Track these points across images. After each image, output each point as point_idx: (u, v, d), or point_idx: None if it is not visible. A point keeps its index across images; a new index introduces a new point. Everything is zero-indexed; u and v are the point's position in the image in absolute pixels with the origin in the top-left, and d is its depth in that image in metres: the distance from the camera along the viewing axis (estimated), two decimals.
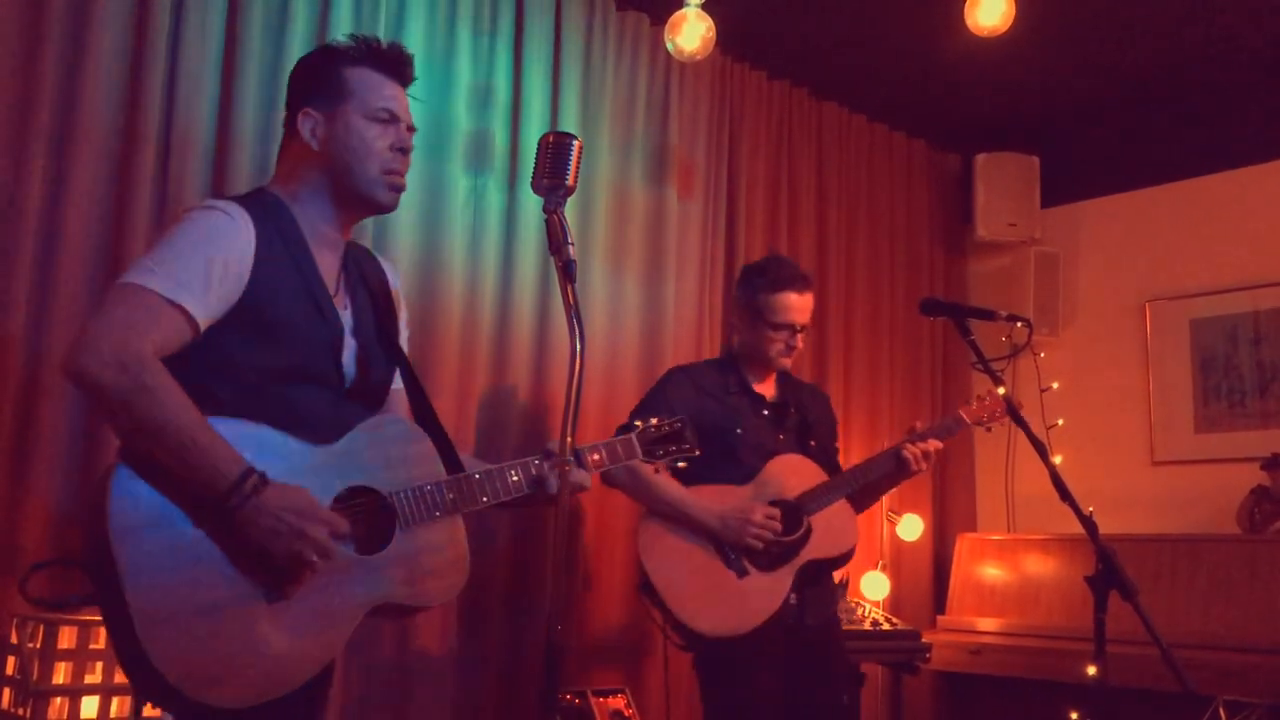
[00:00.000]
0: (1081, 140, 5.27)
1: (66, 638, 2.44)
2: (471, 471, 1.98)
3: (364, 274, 2.06)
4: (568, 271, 1.80)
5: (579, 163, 1.86)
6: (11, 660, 2.51)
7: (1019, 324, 2.74)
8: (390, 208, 2.01)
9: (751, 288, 3.05)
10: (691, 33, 3.94)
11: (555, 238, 1.83)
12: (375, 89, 1.96)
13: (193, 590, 1.67)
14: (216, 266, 1.78)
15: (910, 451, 2.97)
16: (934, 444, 3.01)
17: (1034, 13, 3.94)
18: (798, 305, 3.00)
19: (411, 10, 3.56)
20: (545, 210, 1.86)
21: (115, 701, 2.49)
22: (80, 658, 2.45)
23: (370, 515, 1.86)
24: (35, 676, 2.40)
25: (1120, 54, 4.59)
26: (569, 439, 1.69)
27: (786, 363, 3.08)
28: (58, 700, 2.42)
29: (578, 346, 1.72)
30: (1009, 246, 5.27)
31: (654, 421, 2.27)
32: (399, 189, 1.98)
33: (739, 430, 3.01)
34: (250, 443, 1.74)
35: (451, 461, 1.99)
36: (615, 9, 4.18)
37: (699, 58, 4.05)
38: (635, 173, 4.16)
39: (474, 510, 1.98)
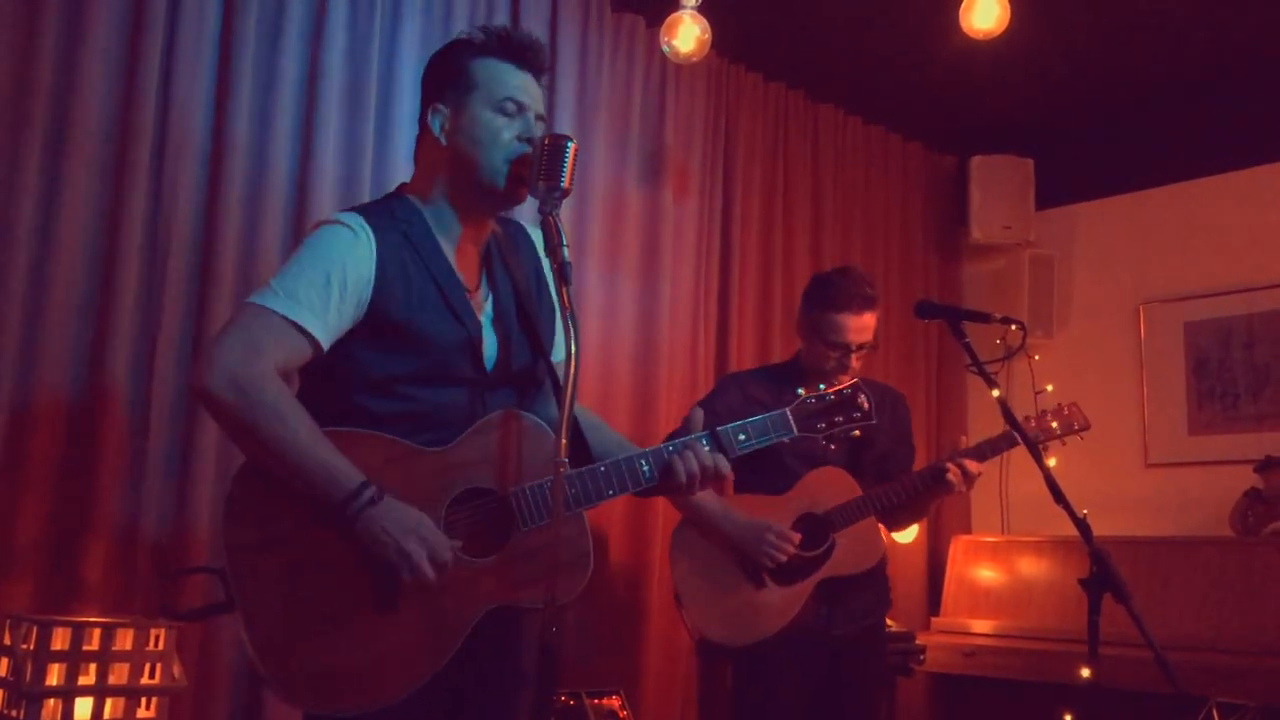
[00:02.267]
0: (1076, 143, 5.28)
1: (60, 639, 2.44)
2: (596, 465, 1.91)
3: (507, 260, 2.03)
4: (563, 273, 1.80)
5: (575, 165, 1.86)
6: (4, 662, 2.50)
7: (1013, 326, 2.73)
8: (516, 198, 1.95)
9: (810, 302, 3.00)
10: (687, 34, 3.94)
11: (550, 240, 1.83)
12: (501, 79, 1.93)
13: (304, 607, 1.73)
14: (335, 283, 1.79)
15: (954, 473, 2.89)
16: (975, 466, 2.92)
17: (1028, 15, 3.95)
18: (854, 326, 2.91)
19: (406, 12, 3.56)
20: (541, 212, 1.85)
21: (109, 703, 2.48)
22: (74, 659, 2.45)
23: (490, 514, 1.85)
24: (29, 678, 2.39)
25: (1114, 57, 4.60)
26: (563, 441, 1.69)
27: (844, 379, 3.04)
28: (51, 702, 2.42)
29: (573, 348, 1.72)
30: (1004, 249, 5.28)
31: (823, 387, 2.11)
32: (525, 180, 1.90)
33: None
34: (376, 457, 1.78)
35: (580, 455, 1.93)
36: (611, 11, 4.18)
37: (694, 59, 4.05)
38: (631, 175, 4.16)
39: (601, 504, 1.93)
